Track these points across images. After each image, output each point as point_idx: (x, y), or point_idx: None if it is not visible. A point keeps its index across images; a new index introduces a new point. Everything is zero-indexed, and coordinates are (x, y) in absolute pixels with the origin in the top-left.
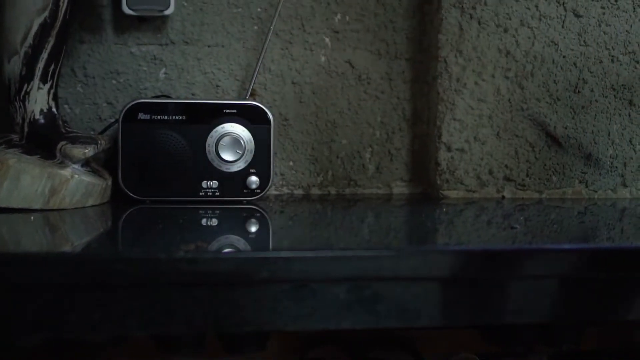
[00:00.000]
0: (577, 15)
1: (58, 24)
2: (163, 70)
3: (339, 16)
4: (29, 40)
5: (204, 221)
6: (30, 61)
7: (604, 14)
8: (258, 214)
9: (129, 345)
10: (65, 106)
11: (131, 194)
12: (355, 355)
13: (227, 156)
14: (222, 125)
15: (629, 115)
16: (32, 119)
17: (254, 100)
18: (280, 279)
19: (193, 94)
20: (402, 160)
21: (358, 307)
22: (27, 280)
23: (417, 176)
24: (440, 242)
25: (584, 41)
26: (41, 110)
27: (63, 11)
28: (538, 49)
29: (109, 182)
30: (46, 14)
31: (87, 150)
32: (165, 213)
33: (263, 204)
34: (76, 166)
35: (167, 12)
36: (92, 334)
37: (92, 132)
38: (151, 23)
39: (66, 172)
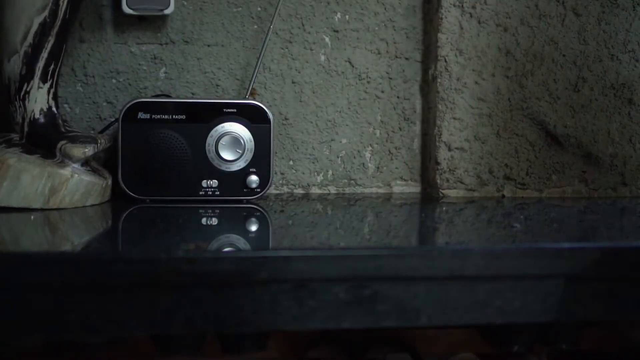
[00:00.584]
0: (577, 14)
1: (58, 23)
2: (163, 69)
3: (338, 15)
4: (29, 39)
5: (203, 220)
6: (30, 60)
7: (603, 12)
8: (258, 214)
9: (129, 345)
10: (65, 105)
11: (131, 193)
12: (355, 355)
13: (227, 155)
14: (222, 125)
15: (629, 114)
16: (32, 119)
17: (254, 99)
18: (280, 279)
19: (193, 93)
20: (402, 159)
21: (358, 306)
22: (27, 280)
23: (417, 175)
24: (441, 241)
25: (584, 40)
26: (41, 110)
27: (63, 10)
28: (538, 48)
29: (109, 182)
30: (46, 13)
31: (87, 150)
32: (165, 212)
33: (263, 203)
34: (76, 165)
35: (167, 12)
36: (91, 334)
37: (92, 132)
38: (151, 22)
39: (66, 171)
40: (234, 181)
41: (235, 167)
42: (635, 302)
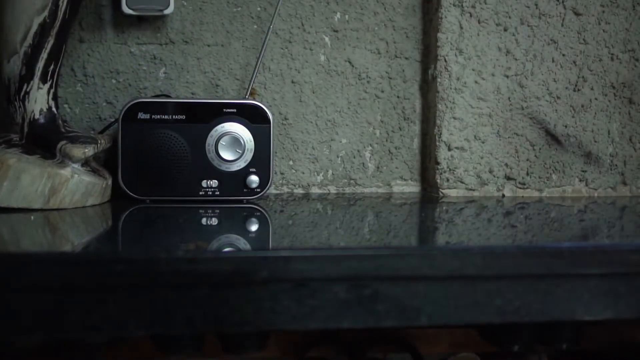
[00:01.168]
0: (577, 14)
1: (58, 23)
2: (163, 69)
3: (338, 15)
4: (29, 39)
5: (203, 220)
6: (30, 61)
7: (603, 12)
8: (258, 213)
9: (129, 345)
10: (65, 106)
11: (131, 194)
12: (355, 354)
13: (227, 155)
14: (221, 125)
15: (629, 114)
16: (32, 119)
17: (254, 99)
18: (280, 279)
19: (193, 94)
20: (402, 159)
21: (358, 306)
22: (27, 280)
23: (417, 175)
24: (441, 241)
25: (584, 39)
26: (41, 110)
27: (63, 11)
28: (538, 48)
29: (109, 182)
30: (46, 13)
31: (87, 150)
32: (165, 212)
33: (263, 203)
34: (76, 166)
35: (166, 12)
36: (91, 334)
37: (92, 132)
38: (151, 22)
39: (66, 171)
40: (234, 181)
41: (235, 167)
42: (635, 302)
